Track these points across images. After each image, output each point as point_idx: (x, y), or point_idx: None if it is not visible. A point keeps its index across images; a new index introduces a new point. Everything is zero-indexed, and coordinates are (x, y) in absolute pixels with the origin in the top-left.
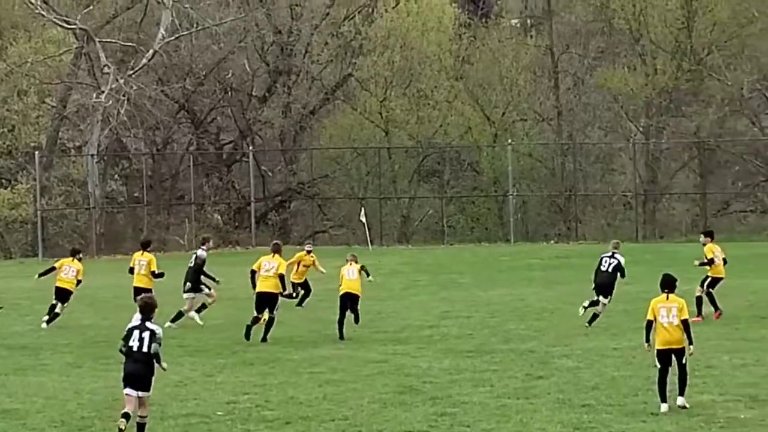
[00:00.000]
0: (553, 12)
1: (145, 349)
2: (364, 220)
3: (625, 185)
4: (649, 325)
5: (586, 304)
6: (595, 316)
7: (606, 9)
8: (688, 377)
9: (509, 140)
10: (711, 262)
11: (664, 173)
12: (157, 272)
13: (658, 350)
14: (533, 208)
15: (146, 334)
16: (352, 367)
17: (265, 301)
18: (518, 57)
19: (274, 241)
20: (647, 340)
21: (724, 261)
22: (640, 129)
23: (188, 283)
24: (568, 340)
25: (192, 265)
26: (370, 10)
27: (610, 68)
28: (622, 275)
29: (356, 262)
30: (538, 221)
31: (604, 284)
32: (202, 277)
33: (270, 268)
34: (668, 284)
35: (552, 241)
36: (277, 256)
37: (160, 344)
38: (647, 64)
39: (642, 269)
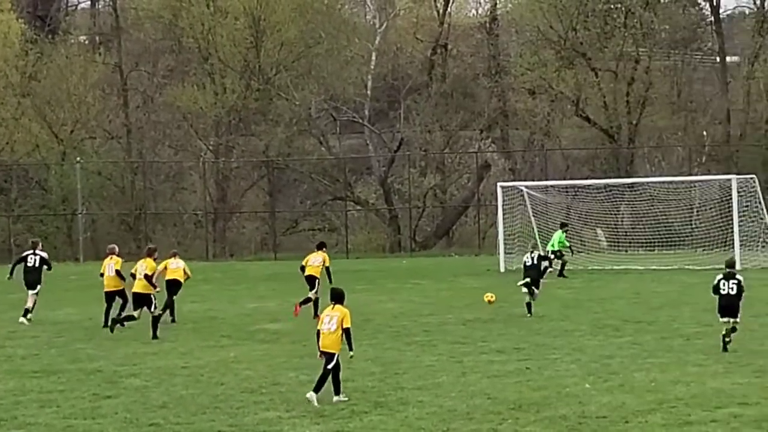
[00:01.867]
0: (122, 29)
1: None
2: None
3: (195, 204)
4: (318, 333)
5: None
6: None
7: (175, 27)
8: (340, 381)
9: (78, 158)
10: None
11: (234, 192)
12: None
13: (321, 352)
14: (103, 226)
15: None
16: None
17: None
18: (87, 74)
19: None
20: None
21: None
22: (210, 148)
23: None
24: (136, 359)
25: None
26: None
27: (180, 86)
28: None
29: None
30: (108, 240)
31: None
32: None
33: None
34: (335, 296)
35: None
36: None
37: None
38: (216, 83)
39: (211, 287)
